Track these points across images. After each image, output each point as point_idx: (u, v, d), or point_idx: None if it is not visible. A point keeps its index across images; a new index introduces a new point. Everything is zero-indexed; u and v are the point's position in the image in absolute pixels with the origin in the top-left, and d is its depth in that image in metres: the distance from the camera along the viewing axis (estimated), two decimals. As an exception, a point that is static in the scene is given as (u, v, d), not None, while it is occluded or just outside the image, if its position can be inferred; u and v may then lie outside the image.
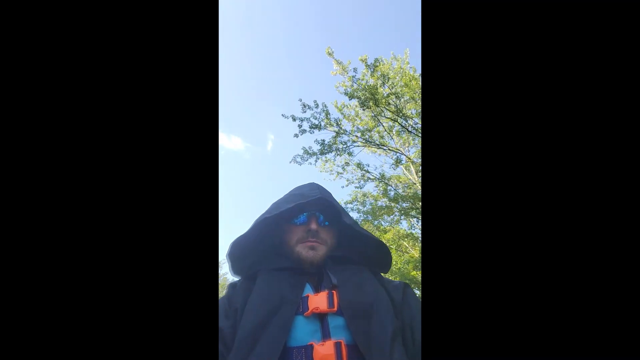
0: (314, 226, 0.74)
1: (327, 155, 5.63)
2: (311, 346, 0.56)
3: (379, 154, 6.31)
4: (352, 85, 5.95)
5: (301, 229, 0.76)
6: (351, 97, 5.08)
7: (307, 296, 0.64)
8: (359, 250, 0.77)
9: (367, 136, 5.69)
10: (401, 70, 6.78)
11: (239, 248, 0.75)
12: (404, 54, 7.41)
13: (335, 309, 0.61)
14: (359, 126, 5.89)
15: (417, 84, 6.76)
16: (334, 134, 5.60)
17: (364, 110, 5.14)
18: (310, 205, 0.76)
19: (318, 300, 0.62)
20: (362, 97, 4.93)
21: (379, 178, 6.09)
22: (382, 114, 5.30)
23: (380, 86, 4.91)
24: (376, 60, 5.49)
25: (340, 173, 6.34)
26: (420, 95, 6.76)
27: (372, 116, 5.22)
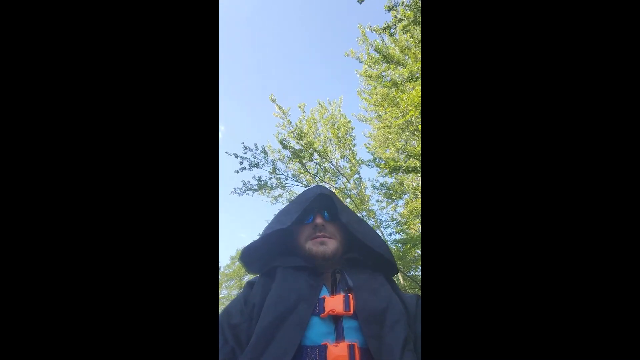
0: (319, 220, 0.77)
1: (263, 189, 6.60)
2: (325, 346, 0.58)
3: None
4: (289, 128, 7.08)
5: (309, 226, 0.79)
6: (284, 147, 6.15)
7: (324, 298, 0.65)
8: (370, 250, 0.78)
9: (296, 177, 6.81)
10: (332, 118, 8.04)
11: (252, 250, 0.79)
12: (338, 99, 8.73)
13: (352, 312, 0.62)
14: (296, 163, 6.98)
15: (345, 130, 8.06)
16: (270, 169, 6.62)
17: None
18: (314, 205, 0.80)
19: (334, 303, 0.63)
20: (291, 155, 6.06)
21: None
22: (308, 166, 6.49)
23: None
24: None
25: (274, 203, 7.35)
26: (348, 138, 8.07)
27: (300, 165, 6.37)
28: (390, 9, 4.26)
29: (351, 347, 0.57)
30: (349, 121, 8.27)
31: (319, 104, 8.57)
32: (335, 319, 0.63)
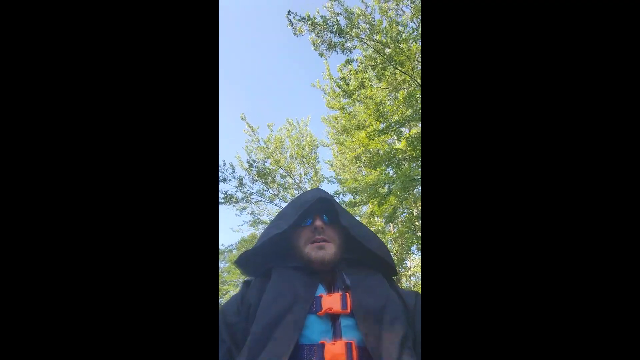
0: (319, 223, 0.77)
1: (229, 202, 7.18)
2: (322, 345, 0.58)
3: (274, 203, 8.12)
4: (258, 144, 7.72)
5: (308, 229, 0.78)
6: (250, 166, 6.76)
7: (321, 296, 0.66)
8: (369, 252, 0.78)
9: (259, 193, 7.45)
10: (298, 138, 8.69)
11: (249, 255, 0.79)
12: (306, 118, 9.39)
13: (349, 310, 0.63)
14: (261, 180, 7.58)
15: (310, 148, 8.73)
16: (236, 184, 7.20)
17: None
18: (313, 208, 0.79)
19: (331, 301, 0.64)
20: (256, 175, 6.69)
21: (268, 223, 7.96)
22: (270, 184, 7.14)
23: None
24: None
25: (238, 215, 7.97)
26: (312, 156, 8.76)
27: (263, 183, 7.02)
28: (347, 63, 4.98)
29: (348, 345, 0.58)
30: (315, 139, 8.95)
31: (288, 121, 9.21)
32: (333, 318, 0.63)
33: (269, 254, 0.79)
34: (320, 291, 0.68)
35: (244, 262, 0.79)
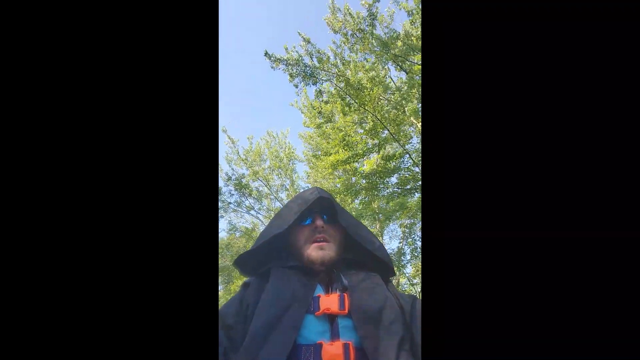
0: (319, 222, 0.77)
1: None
2: (320, 345, 0.59)
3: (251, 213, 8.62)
4: (238, 155, 8.18)
5: (307, 228, 0.78)
6: (229, 179, 7.23)
7: (319, 296, 0.67)
8: (368, 252, 0.78)
9: (236, 204, 7.95)
10: (276, 150, 9.15)
11: (248, 255, 0.80)
12: (286, 130, 9.86)
13: (346, 311, 0.64)
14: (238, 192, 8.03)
15: (288, 159, 9.21)
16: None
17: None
18: (313, 206, 0.79)
19: (329, 301, 0.65)
20: (234, 187, 7.18)
21: (245, 232, 8.46)
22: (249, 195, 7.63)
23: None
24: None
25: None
26: (290, 167, 9.24)
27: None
28: (319, 94, 5.50)
29: (346, 346, 0.58)
30: (294, 149, 9.43)
31: (268, 133, 9.65)
32: (331, 318, 0.64)
33: (268, 254, 0.80)
34: (319, 291, 0.69)
35: (243, 262, 0.81)
